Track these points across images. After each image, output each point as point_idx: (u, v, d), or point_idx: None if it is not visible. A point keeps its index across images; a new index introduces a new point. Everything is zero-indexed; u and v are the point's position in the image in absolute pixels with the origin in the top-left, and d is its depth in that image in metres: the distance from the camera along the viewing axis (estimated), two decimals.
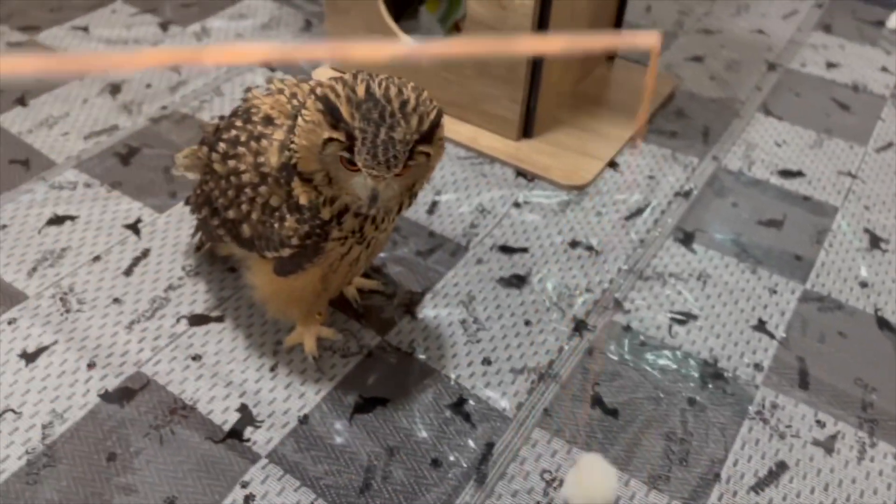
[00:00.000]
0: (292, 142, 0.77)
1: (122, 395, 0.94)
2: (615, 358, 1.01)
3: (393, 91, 0.72)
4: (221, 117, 0.93)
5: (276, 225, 0.82)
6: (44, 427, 0.90)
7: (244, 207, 0.84)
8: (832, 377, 1.00)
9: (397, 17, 1.40)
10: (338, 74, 0.77)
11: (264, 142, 0.81)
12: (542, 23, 1.19)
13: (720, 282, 1.13)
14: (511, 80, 1.26)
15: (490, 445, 0.91)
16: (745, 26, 1.74)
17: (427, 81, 0.84)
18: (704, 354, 1.02)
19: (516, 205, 1.24)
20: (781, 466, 0.90)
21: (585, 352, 1.02)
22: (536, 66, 1.24)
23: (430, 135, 0.75)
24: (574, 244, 1.18)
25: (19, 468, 0.86)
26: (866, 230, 1.22)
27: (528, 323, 1.05)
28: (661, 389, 0.98)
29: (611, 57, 1.55)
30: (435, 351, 1.01)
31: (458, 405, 0.95)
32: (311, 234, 0.80)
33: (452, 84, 1.33)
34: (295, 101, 0.82)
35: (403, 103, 0.72)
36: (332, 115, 0.72)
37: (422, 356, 1.01)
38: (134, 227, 1.17)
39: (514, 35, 1.20)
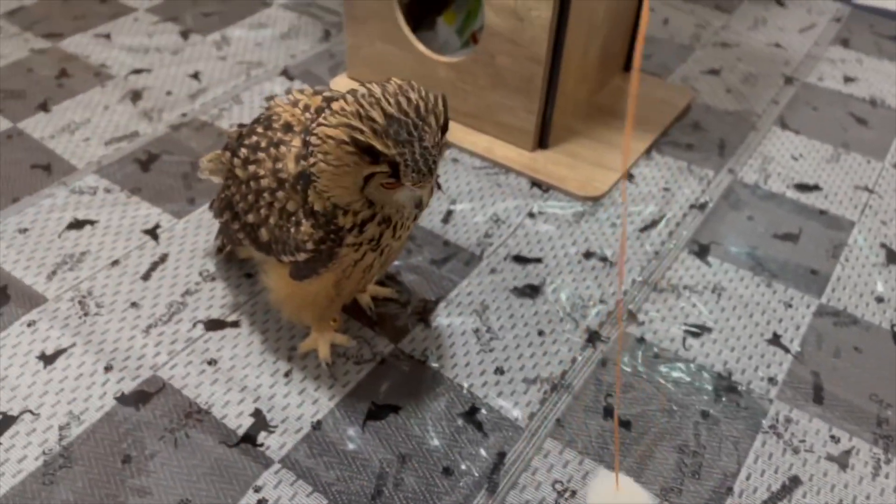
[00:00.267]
0: (319, 183, 0.78)
1: (138, 398, 0.95)
2: (628, 370, 1.01)
3: (404, 102, 0.73)
4: (241, 125, 0.94)
5: (293, 230, 0.83)
6: (61, 429, 0.91)
7: (262, 212, 0.86)
8: (847, 392, 1.00)
9: (415, 28, 1.41)
10: (352, 86, 0.77)
11: (283, 148, 0.83)
12: (559, 35, 1.19)
13: (735, 295, 1.12)
14: (527, 90, 1.27)
15: (502, 455, 0.91)
16: (763, 40, 1.74)
17: (443, 92, 0.84)
18: (718, 367, 1.02)
19: (531, 215, 1.25)
20: (795, 481, 0.90)
21: (599, 363, 1.02)
22: (552, 76, 1.24)
23: (446, 124, 0.77)
24: (588, 255, 1.18)
25: (36, 468, 0.87)
26: (883, 245, 1.22)
27: (541, 333, 1.06)
28: (674, 402, 0.98)
29: (627, 68, 1.55)
30: (448, 359, 1.02)
31: (471, 414, 0.95)
32: (325, 240, 0.82)
33: (468, 94, 1.33)
34: (308, 114, 0.84)
35: (417, 109, 0.74)
36: (368, 153, 0.73)
37: (435, 364, 1.01)
38: (152, 233, 1.18)
39: (531, 46, 1.21)
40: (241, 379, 0.98)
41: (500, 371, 1.00)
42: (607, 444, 0.92)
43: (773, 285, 1.14)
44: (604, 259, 1.17)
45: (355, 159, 0.74)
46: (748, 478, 0.90)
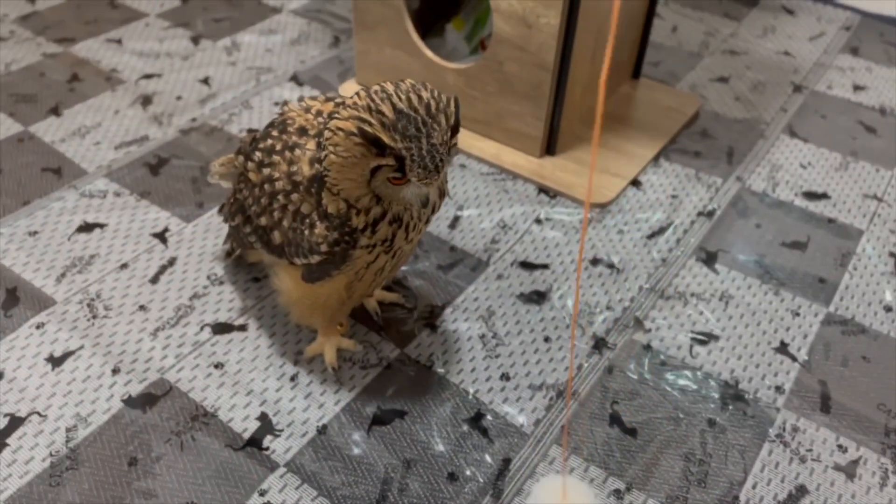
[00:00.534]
0: (329, 175, 0.79)
1: (145, 400, 0.95)
2: (635, 377, 1.01)
3: (415, 99, 0.75)
4: (250, 130, 0.95)
5: (307, 232, 0.83)
6: (68, 430, 0.92)
7: (276, 214, 0.86)
8: (855, 402, 0.99)
9: (424, 35, 1.42)
10: (359, 90, 0.78)
11: (298, 151, 0.84)
12: (567, 42, 1.19)
13: (742, 303, 1.12)
14: (535, 97, 1.27)
15: (507, 461, 0.91)
16: (772, 48, 1.74)
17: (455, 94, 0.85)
18: (725, 375, 1.02)
19: (538, 221, 1.25)
20: (801, 490, 0.89)
21: (605, 370, 1.02)
22: (560, 83, 1.25)
23: (457, 125, 0.77)
24: (595, 262, 1.18)
25: (43, 470, 0.88)
26: (892, 254, 1.21)
27: (547, 339, 1.06)
28: (680, 410, 0.97)
29: (635, 75, 1.55)
30: (454, 365, 1.02)
31: (476, 420, 0.95)
32: (339, 242, 0.82)
33: (476, 101, 1.34)
34: (320, 119, 0.85)
35: (428, 107, 0.75)
36: (374, 145, 0.74)
37: (440, 370, 1.01)
38: (161, 236, 1.19)
39: (539, 53, 1.21)
40: (248, 382, 0.98)
41: (505, 377, 1.00)
42: (613, 452, 0.92)
43: (780, 293, 1.14)
44: (611, 266, 1.17)
45: (362, 151, 0.75)
46: (755, 487, 0.89)
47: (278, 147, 0.86)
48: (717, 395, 0.99)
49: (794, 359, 1.04)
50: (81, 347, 1.01)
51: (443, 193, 0.87)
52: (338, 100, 0.87)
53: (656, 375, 1.01)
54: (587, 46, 1.28)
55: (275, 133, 0.88)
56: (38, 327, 1.04)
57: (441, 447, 0.92)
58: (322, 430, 0.93)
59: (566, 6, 1.15)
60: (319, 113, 0.86)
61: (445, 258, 1.17)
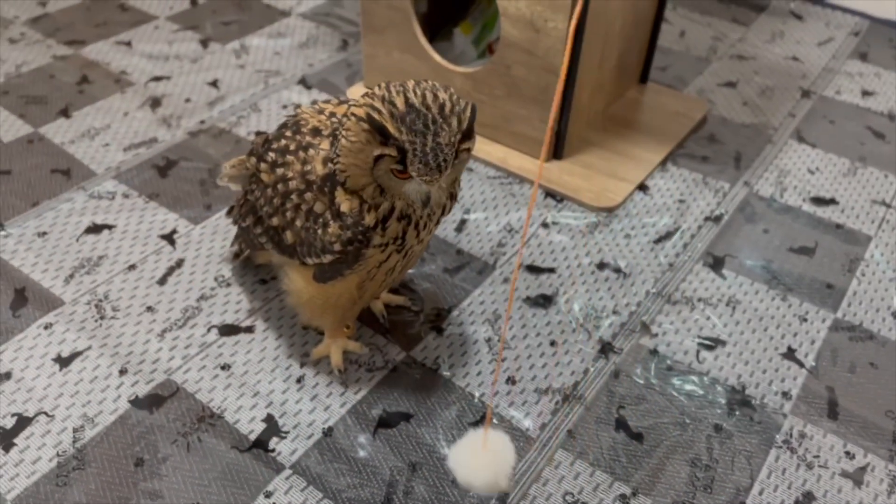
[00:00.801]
0: (338, 161, 0.80)
1: (152, 401, 0.96)
2: (641, 382, 1.01)
3: (430, 97, 0.75)
4: (258, 132, 0.95)
5: (320, 231, 0.84)
6: (75, 431, 0.92)
7: (289, 214, 0.87)
8: (862, 408, 0.99)
9: (431, 39, 1.42)
10: (381, 82, 0.79)
11: (311, 151, 0.85)
12: (575, 46, 1.20)
13: (749, 308, 1.12)
14: (542, 101, 1.27)
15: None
16: (780, 53, 1.73)
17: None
18: (732, 381, 1.01)
19: (545, 225, 1.25)
20: (808, 497, 0.89)
21: (611, 374, 1.02)
22: (568, 87, 1.25)
23: (470, 131, 0.78)
24: (602, 266, 1.17)
25: (50, 470, 0.88)
26: None
27: (553, 343, 1.05)
28: (686, 415, 0.97)
29: (643, 80, 1.55)
30: (460, 368, 1.02)
31: (482, 423, 0.95)
32: (353, 241, 0.83)
33: (484, 104, 1.34)
34: (334, 119, 0.86)
35: (441, 107, 0.75)
36: (380, 133, 0.75)
37: (446, 373, 1.01)
38: (169, 238, 1.19)
39: (547, 57, 1.21)
40: (254, 384, 0.98)
41: (511, 381, 1.00)
42: (619, 457, 0.92)
43: (788, 299, 1.13)
44: (617, 270, 1.17)
45: (368, 137, 0.76)
46: (761, 493, 0.89)
47: (292, 147, 0.87)
48: (723, 401, 0.99)
49: (801, 365, 1.04)
50: (89, 348, 1.02)
51: (453, 196, 0.87)
52: (352, 102, 0.87)
53: (663, 380, 1.01)
54: (595, 51, 1.28)
55: (288, 133, 0.88)
56: (46, 328, 1.04)
57: (447, 450, 0.92)
58: (328, 433, 0.93)
59: (574, 10, 1.15)
60: (333, 115, 0.87)
61: (452, 261, 1.17)
